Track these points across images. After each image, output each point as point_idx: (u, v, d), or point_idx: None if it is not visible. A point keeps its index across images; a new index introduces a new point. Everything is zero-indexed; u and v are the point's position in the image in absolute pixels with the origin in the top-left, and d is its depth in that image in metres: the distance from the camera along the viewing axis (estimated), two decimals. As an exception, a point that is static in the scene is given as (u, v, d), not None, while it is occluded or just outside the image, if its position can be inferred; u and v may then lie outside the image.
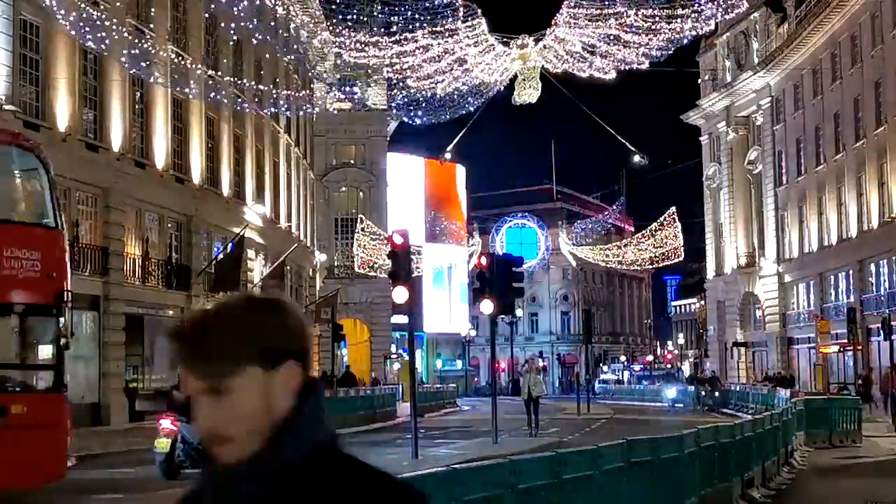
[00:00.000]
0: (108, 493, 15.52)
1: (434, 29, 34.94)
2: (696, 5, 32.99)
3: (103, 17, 26.93)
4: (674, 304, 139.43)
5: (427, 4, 33.63)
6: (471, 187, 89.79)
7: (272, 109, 41.62)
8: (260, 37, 37.31)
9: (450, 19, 34.72)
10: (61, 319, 14.07)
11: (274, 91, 40.77)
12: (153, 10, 31.50)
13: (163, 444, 16.33)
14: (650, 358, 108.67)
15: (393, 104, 45.08)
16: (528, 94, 40.67)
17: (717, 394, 43.61)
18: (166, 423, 16.35)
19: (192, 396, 1.70)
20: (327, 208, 61.78)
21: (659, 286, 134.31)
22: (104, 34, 26.63)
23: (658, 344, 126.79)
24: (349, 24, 34.98)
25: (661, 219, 57.70)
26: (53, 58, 26.41)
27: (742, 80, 59.09)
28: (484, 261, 23.92)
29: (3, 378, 14.04)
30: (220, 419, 1.67)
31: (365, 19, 34.09)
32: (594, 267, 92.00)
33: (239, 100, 36.78)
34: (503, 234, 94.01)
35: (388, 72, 39.88)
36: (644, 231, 60.74)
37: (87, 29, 25.80)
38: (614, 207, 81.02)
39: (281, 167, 46.27)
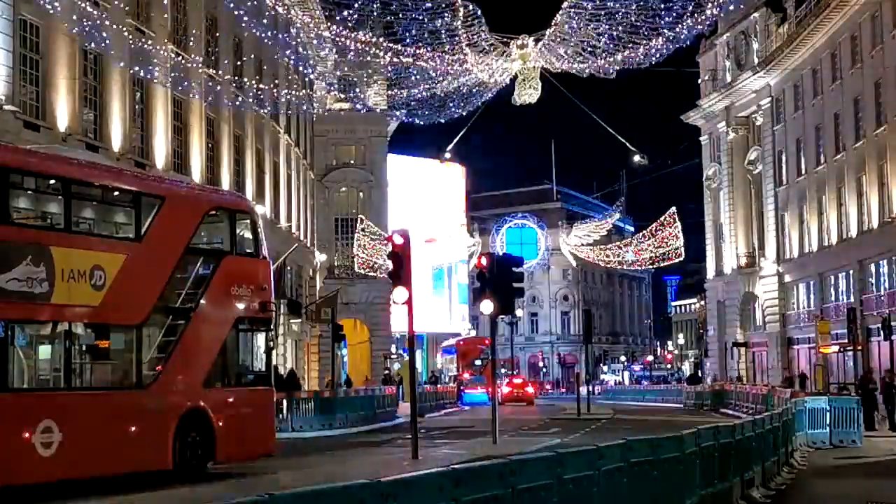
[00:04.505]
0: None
1: (434, 29, 34.94)
2: (696, 5, 32.98)
3: (103, 16, 26.92)
4: (674, 304, 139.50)
5: (427, 4, 33.62)
6: (471, 187, 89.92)
7: (272, 110, 41.60)
8: (260, 37, 37.30)
9: (450, 19, 34.72)
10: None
11: (274, 91, 40.75)
12: (153, 10, 31.48)
13: None
14: (650, 358, 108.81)
15: (393, 104, 45.10)
16: (528, 94, 40.68)
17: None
18: None
19: None
20: (327, 208, 61.76)
21: (659, 286, 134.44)
22: (104, 34, 26.62)
23: (658, 344, 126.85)
24: (349, 24, 34.98)
25: (662, 219, 57.67)
26: (53, 58, 26.39)
27: (742, 80, 59.10)
28: (484, 261, 23.92)
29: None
30: None
31: (365, 19, 34.09)
32: (594, 267, 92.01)
33: (239, 100, 36.76)
34: (503, 234, 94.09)
35: (388, 72, 39.87)
36: (644, 231, 60.74)
37: (87, 29, 25.78)
38: (614, 207, 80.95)
39: (281, 167, 46.25)
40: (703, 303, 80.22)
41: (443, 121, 42.77)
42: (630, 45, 35.18)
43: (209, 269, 17.89)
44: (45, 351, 15.83)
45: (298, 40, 45.50)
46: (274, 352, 20.66)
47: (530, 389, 60.03)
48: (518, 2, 74.94)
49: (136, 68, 28.49)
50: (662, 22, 33.50)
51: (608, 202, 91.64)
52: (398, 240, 19.77)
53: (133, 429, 16.02)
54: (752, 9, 56.30)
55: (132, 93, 30.38)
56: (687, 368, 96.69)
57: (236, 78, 36.81)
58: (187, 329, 17.21)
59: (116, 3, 28.54)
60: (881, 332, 38.71)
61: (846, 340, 42.42)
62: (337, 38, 36.74)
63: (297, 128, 51.44)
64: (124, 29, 28.02)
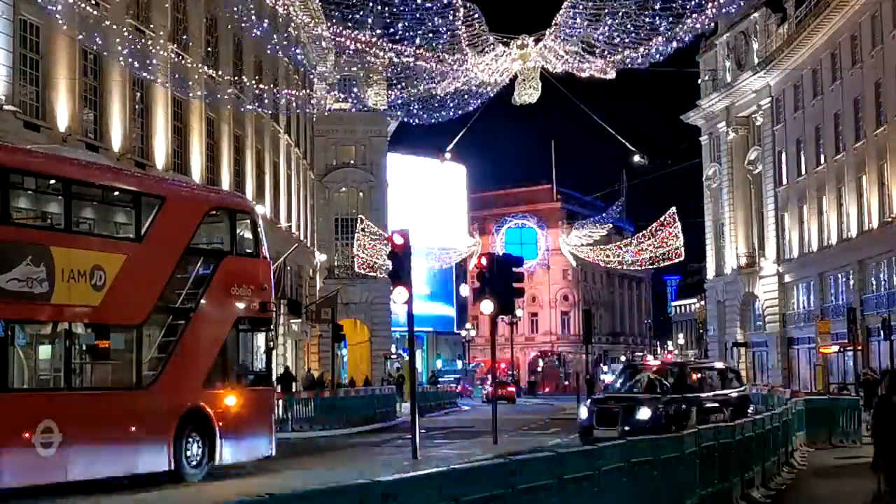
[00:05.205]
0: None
1: (434, 29, 34.91)
2: (696, 5, 32.95)
3: (103, 17, 26.91)
4: (674, 304, 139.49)
5: (427, 4, 33.60)
6: (471, 187, 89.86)
7: (272, 110, 41.58)
8: (260, 37, 37.29)
9: (450, 19, 34.69)
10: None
11: (274, 91, 40.74)
12: (153, 10, 31.48)
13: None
14: (650, 358, 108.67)
15: (393, 104, 45.06)
16: (528, 94, 40.62)
17: None
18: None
19: None
20: (327, 208, 61.76)
21: (659, 286, 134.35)
22: (104, 34, 26.62)
23: (658, 344, 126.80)
24: (349, 24, 34.97)
25: (662, 219, 57.63)
26: (53, 58, 26.39)
27: (742, 80, 59.09)
28: (484, 261, 23.95)
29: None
30: None
31: (365, 19, 34.06)
32: (594, 267, 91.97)
33: (239, 100, 36.77)
34: (503, 234, 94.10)
35: (388, 72, 39.87)
36: (644, 231, 60.70)
37: (87, 29, 25.78)
38: (614, 207, 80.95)
39: (281, 167, 46.27)
40: (703, 303, 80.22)
41: (443, 121, 42.70)
42: (630, 45, 35.14)
43: (209, 269, 17.92)
44: (45, 351, 15.84)
45: (299, 40, 45.48)
46: (274, 352, 20.75)
47: (511, 389, 63.99)
48: (518, 2, 75.10)
49: (136, 68, 28.48)
50: (663, 22, 33.46)
51: (608, 202, 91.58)
52: (398, 240, 19.79)
53: (133, 429, 16.04)
54: (752, 9, 56.30)
55: (132, 93, 30.38)
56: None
57: (236, 78, 36.82)
58: (187, 329, 17.23)
59: (116, 3, 28.55)
60: (881, 332, 38.74)
61: (846, 340, 42.45)
62: (337, 38, 36.70)
63: (297, 128, 51.45)
64: (124, 29, 28.02)
